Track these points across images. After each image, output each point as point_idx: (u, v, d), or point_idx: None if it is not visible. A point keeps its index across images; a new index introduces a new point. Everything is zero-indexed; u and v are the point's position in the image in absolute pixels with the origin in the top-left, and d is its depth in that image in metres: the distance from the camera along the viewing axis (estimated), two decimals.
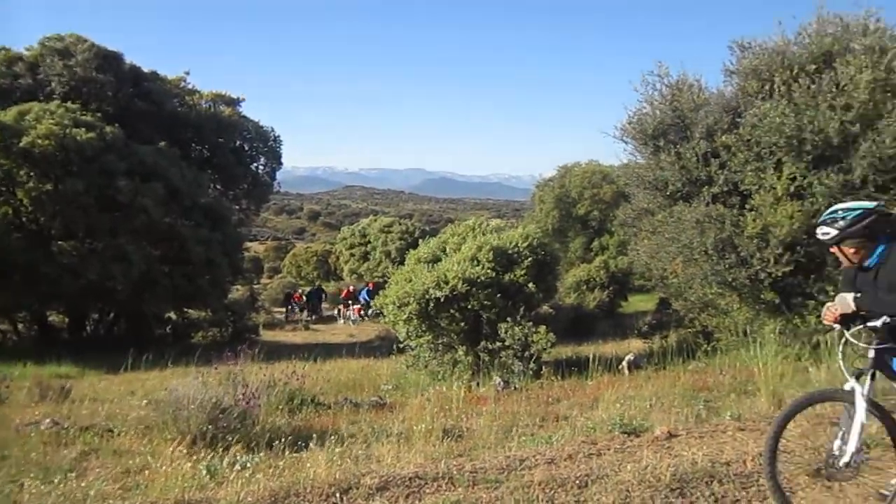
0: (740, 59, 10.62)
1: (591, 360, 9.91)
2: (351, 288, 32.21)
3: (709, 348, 10.69)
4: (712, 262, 9.63)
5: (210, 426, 6.25)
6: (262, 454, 5.86)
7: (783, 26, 10.29)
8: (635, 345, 15.97)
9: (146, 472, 5.34)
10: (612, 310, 26.71)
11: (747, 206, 9.80)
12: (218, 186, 29.16)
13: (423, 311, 11.76)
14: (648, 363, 10.79)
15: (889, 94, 8.88)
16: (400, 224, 44.18)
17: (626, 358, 11.15)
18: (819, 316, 4.22)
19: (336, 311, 31.87)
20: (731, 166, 10.06)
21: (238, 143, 30.73)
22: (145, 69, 26.68)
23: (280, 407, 7.92)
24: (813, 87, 9.29)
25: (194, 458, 5.60)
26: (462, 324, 11.95)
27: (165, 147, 23.20)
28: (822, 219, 3.91)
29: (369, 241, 43.33)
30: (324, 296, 34.00)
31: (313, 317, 31.68)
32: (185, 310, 23.80)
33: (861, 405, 3.61)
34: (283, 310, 32.57)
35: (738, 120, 10.11)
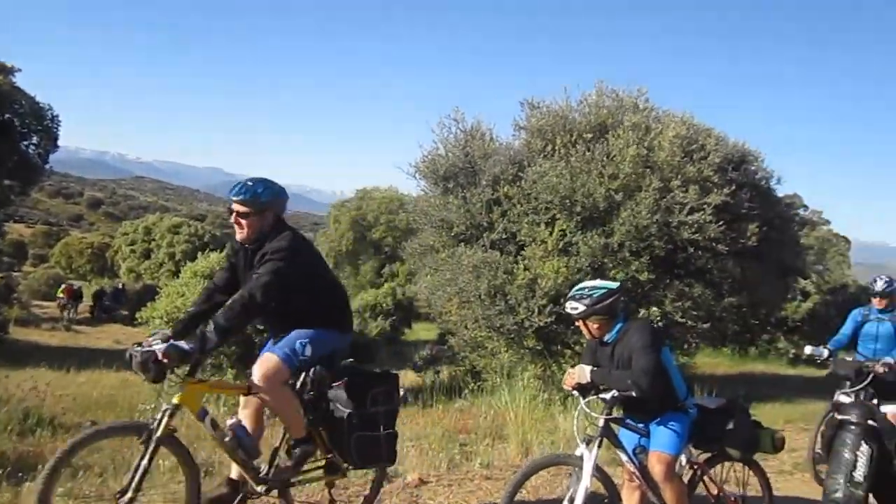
0: (529, 117, 11.27)
1: None
2: (74, 287, 29.66)
3: (476, 387, 11.08)
4: (484, 306, 10.04)
5: None
6: None
7: (568, 92, 11.06)
8: (410, 377, 16.19)
9: None
10: (396, 337, 27.05)
11: (521, 256, 10.34)
12: None
13: None
14: (417, 399, 10.95)
15: (648, 170, 9.86)
16: (189, 226, 41.84)
17: None
18: (573, 364, 4.49)
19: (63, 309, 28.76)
20: (511, 216, 10.55)
21: (7, 116, 27.40)
22: None
23: (10, 428, 7.01)
24: (588, 153, 10.07)
25: None
26: (233, 347, 11.42)
27: None
28: (571, 294, 4.15)
29: (153, 239, 40.63)
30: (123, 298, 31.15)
31: (104, 315, 29.72)
32: None
33: (588, 471, 3.84)
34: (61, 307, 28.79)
35: (521, 174, 10.62)
